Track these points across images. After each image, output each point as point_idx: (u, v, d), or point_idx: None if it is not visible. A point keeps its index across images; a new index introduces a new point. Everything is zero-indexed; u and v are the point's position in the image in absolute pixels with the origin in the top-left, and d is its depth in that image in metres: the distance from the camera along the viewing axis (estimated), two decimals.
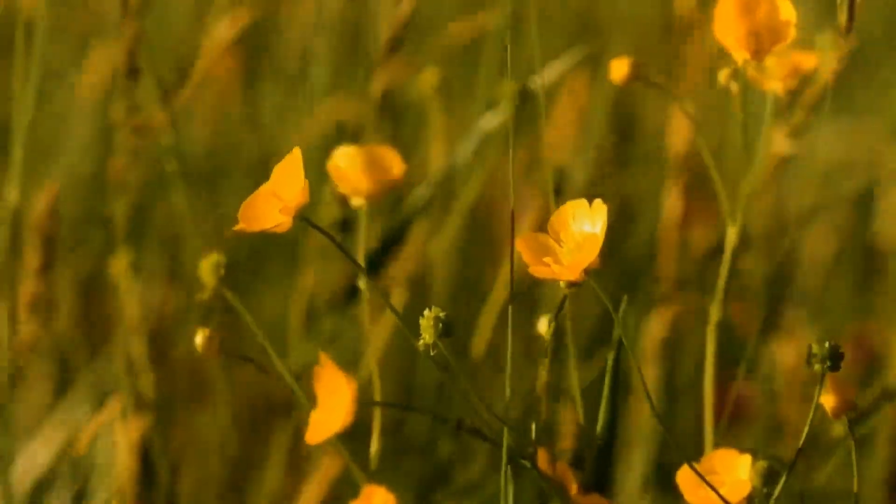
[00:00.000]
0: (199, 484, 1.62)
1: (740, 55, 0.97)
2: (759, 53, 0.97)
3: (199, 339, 1.01)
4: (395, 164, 1.08)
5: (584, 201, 0.87)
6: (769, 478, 0.93)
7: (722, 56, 0.99)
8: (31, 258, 1.47)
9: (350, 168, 1.06)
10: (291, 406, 1.52)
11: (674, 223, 1.74)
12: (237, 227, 0.87)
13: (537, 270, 0.87)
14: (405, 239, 1.56)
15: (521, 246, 0.88)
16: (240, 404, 1.71)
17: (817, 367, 0.87)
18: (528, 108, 1.56)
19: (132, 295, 1.47)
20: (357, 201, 1.07)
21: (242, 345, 1.06)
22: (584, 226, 0.86)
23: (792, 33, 0.97)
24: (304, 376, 1.08)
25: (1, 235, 1.44)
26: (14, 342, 1.49)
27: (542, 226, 0.89)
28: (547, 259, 0.87)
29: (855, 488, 0.94)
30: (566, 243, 0.87)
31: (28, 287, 1.47)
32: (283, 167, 0.87)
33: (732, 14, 0.96)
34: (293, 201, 0.86)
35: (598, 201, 0.86)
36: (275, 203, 0.86)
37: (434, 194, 1.50)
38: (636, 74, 1.06)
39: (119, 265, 1.47)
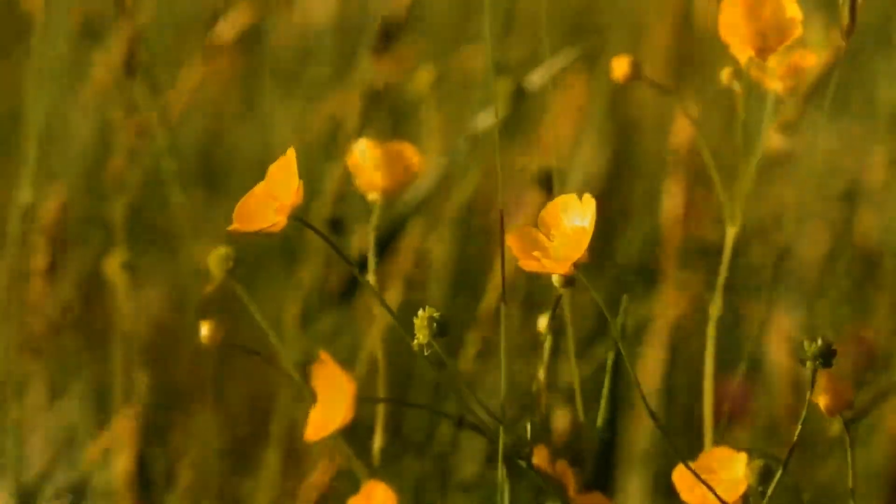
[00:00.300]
0: (198, 482, 1.62)
1: (746, 54, 0.97)
2: (764, 52, 0.97)
3: (204, 330, 1.01)
4: (412, 160, 1.08)
5: (573, 196, 0.87)
6: (765, 476, 0.93)
7: (723, 54, 1.00)
8: (39, 259, 1.48)
9: (367, 163, 1.06)
10: (291, 403, 1.52)
11: (674, 221, 1.74)
12: (232, 228, 0.87)
13: (527, 264, 0.87)
14: (402, 236, 1.56)
15: (511, 240, 0.88)
16: (238, 402, 1.71)
17: (809, 364, 0.87)
18: (525, 107, 1.57)
19: (129, 294, 1.47)
20: (373, 196, 1.07)
21: (241, 342, 1.06)
22: (573, 220, 0.86)
23: (798, 32, 0.97)
24: (302, 373, 1.08)
25: (13, 236, 1.45)
26: (22, 342, 1.50)
27: (533, 221, 0.88)
28: (536, 253, 0.87)
29: (850, 485, 0.94)
30: (556, 237, 0.87)
31: (35, 287, 1.47)
32: (277, 167, 0.87)
33: (739, 13, 0.96)
34: (288, 201, 0.86)
35: (587, 196, 0.86)
36: (270, 203, 0.86)
37: (430, 192, 1.50)
38: (636, 73, 1.06)
39: (115, 264, 1.47)
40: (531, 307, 1.53)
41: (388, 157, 1.07)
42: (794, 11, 0.96)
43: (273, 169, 0.87)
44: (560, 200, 0.87)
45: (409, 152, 1.08)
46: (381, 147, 1.07)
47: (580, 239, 0.85)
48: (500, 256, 0.99)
